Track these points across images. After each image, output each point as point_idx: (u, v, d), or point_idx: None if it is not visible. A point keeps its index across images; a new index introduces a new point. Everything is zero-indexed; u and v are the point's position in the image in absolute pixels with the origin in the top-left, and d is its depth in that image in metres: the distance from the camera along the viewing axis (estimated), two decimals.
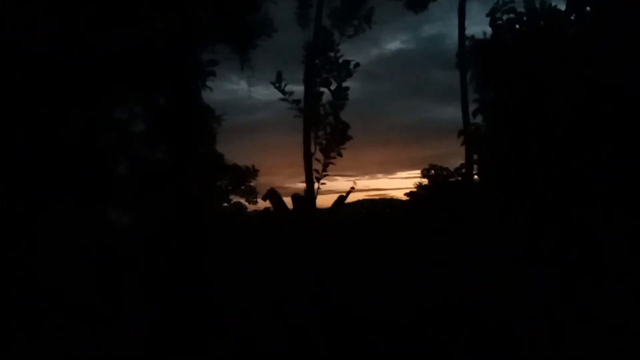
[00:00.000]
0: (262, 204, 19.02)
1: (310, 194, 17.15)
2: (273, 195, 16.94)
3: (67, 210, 8.54)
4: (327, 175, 17.10)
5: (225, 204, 18.79)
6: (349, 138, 17.03)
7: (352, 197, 16.96)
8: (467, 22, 17.11)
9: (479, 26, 18.88)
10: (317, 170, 17.04)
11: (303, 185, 16.79)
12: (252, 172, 19.49)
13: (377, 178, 27.07)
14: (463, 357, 6.84)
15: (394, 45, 31.66)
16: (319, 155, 16.97)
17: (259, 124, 23.26)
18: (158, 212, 10.54)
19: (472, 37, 15.57)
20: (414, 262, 10.75)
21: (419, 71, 29.75)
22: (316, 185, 17.09)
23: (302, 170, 16.96)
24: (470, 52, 15.84)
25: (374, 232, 15.07)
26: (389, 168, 27.75)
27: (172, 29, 10.78)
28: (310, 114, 16.64)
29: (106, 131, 10.13)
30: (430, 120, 28.57)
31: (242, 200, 19.75)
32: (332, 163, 16.99)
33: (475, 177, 15.83)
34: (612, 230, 10.53)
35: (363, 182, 28.94)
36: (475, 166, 15.63)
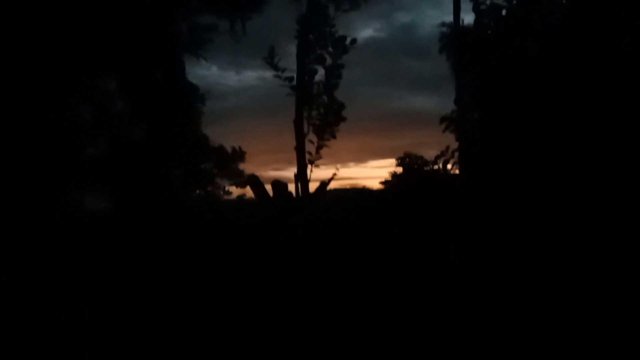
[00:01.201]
0: (237, 191, 18.17)
1: (302, 177, 16.24)
2: (254, 181, 16.02)
3: (29, 195, 7.50)
4: (321, 158, 16.23)
5: (210, 188, 17.76)
6: (344, 119, 16.11)
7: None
8: (443, 10, 16.21)
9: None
10: (310, 153, 16.17)
11: (275, 173, 15.88)
12: (239, 155, 18.48)
13: (349, 167, 26.80)
14: (450, 338, 6.75)
15: (366, 32, 30.75)
16: (311, 137, 16.16)
17: (230, 111, 22.32)
18: (136, 197, 9.53)
19: (451, 23, 14.85)
20: (396, 250, 10.48)
21: (391, 59, 28.99)
22: (309, 168, 16.21)
23: (275, 157, 16.11)
24: (451, 39, 15.06)
25: (355, 221, 14.53)
26: (360, 157, 27.19)
27: None
28: (303, 93, 15.64)
29: (77, 110, 9.02)
30: (401, 109, 27.97)
31: (227, 185, 18.74)
32: (326, 145, 16.09)
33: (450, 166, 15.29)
34: (596, 218, 9.97)
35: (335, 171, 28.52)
36: (456, 154, 15.04)
